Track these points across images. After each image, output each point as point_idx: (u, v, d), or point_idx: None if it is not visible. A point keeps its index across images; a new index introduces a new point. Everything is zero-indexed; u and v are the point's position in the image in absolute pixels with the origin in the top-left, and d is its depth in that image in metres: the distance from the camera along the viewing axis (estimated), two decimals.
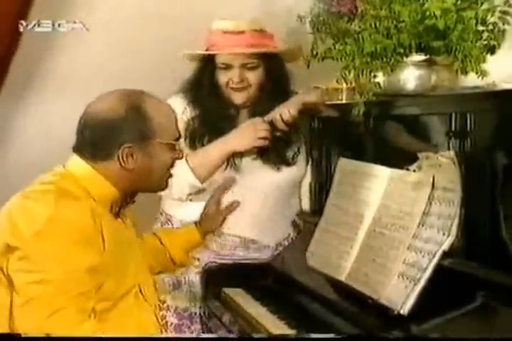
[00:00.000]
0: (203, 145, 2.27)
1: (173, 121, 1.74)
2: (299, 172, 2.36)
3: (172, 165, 1.75)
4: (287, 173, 2.32)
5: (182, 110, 2.28)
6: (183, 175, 2.16)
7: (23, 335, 1.48)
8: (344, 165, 2.14)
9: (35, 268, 1.53)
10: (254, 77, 2.26)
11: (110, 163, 1.66)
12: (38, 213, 1.56)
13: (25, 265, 1.53)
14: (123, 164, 1.65)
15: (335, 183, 2.15)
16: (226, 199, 2.29)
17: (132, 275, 1.71)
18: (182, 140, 2.22)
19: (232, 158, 2.26)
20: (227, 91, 2.28)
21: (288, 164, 2.32)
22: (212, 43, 2.27)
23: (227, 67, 2.26)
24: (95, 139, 1.66)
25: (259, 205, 2.31)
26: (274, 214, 2.33)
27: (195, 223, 2.17)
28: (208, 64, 2.29)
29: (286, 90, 2.32)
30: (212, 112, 2.28)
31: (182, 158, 1.77)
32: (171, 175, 1.77)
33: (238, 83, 2.25)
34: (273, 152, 2.29)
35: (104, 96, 1.70)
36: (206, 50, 2.29)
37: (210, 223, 2.20)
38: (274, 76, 2.28)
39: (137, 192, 1.76)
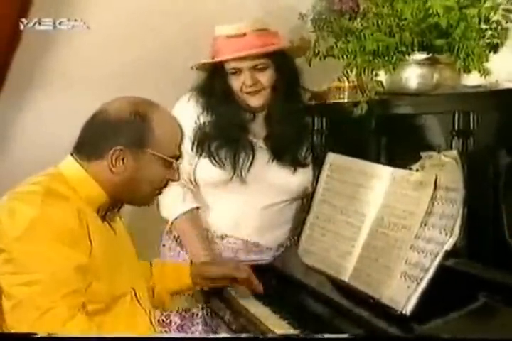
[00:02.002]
0: (209, 149, 2.26)
1: (177, 138, 1.72)
2: (311, 175, 2.33)
3: (165, 185, 1.73)
4: (301, 177, 2.30)
5: (197, 116, 2.28)
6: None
7: (39, 335, 1.41)
8: (336, 161, 2.12)
9: (21, 269, 1.51)
10: (265, 78, 2.24)
11: (101, 163, 1.65)
12: (24, 214, 1.54)
13: (11, 267, 1.52)
14: (111, 166, 1.64)
15: (324, 178, 2.14)
16: (231, 201, 2.30)
17: (125, 280, 1.70)
18: (189, 143, 2.23)
19: (240, 171, 2.24)
20: (243, 96, 2.26)
21: (303, 165, 2.30)
22: (217, 50, 2.26)
23: (237, 71, 2.24)
24: (94, 137, 1.66)
25: (266, 210, 2.31)
26: (279, 219, 2.34)
27: (190, 264, 2.06)
28: (217, 71, 2.26)
29: (298, 90, 2.31)
30: (227, 119, 2.26)
31: (178, 180, 1.74)
32: (159, 193, 1.75)
33: (251, 86, 2.23)
34: (287, 154, 2.29)
35: (119, 98, 1.70)
36: (212, 57, 2.27)
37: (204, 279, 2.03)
38: (286, 74, 2.26)
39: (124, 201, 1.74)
